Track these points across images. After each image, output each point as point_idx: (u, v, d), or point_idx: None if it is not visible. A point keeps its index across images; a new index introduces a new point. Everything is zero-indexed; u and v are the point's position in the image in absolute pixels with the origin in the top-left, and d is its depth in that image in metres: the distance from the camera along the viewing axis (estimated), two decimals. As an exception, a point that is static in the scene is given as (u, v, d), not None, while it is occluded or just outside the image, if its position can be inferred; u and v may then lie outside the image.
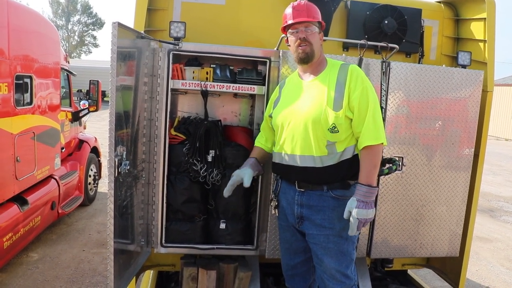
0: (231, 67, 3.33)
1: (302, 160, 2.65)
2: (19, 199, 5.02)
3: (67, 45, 55.86)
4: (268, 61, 3.19)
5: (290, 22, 2.71)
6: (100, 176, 8.32)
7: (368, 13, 3.51)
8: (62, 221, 6.75)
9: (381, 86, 3.21)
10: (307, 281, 3.01)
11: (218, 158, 3.20)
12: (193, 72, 3.23)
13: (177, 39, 3.08)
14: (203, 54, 3.19)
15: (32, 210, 5.23)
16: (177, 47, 3.08)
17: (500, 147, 21.29)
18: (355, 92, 2.59)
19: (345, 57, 3.18)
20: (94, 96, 7.42)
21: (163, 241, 3.28)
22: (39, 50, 5.49)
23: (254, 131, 3.52)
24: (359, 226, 2.54)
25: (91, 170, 7.79)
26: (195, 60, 3.28)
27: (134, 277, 3.25)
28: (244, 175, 2.84)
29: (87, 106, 7.53)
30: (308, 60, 2.70)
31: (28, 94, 5.15)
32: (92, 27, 59.74)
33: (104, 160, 8.20)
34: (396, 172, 3.17)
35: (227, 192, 2.88)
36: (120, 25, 2.51)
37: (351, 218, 2.54)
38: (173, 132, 3.27)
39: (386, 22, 3.50)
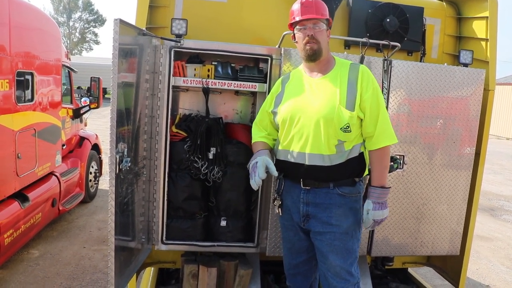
0: (232, 65, 3.32)
1: (310, 158, 2.62)
2: (20, 195, 5.03)
3: (68, 42, 55.87)
4: (269, 58, 3.18)
5: (298, 18, 2.66)
6: (101, 173, 8.32)
7: (370, 11, 3.51)
8: (63, 218, 6.76)
9: (382, 84, 3.20)
10: (308, 279, 3.00)
11: (219, 156, 3.20)
12: (195, 69, 3.22)
13: (179, 36, 3.07)
14: (205, 51, 3.18)
15: (33, 207, 5.24)
16: (179, 44, 3.07)
17: (501, 146, 21.27)
18: (367, 93, 2.60)
19: (346, 55, 3.18)
20: (95, 93, 7.41)
21: (164, 238, 3.28)
22: (40, 47, 5.49)
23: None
24: (375, 226, 2.70)
25: (92, 167, 7.80)
26: (197, 58, 3.28)
27: (135, 274, 3.26)
28: (268, 163, 2.68)
29: (88, 103, 7.52)
30: (316, 58, 2.66)
31: (29, 90, 5.15)
32: (94, 24, 59.80)
33: (105, 157, 8.19)
34: (397, 170, 3.19)
35: (256, 185, 2.66)
36: (122, 21, 2.51)
37: (365, 218, 2.66)
38: (174, 129, 3.27)
39: (388, 20, 3.50)
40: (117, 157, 2.60)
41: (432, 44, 3.82)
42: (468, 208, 3.55)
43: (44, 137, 5.51)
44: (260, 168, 2.65)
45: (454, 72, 3.34)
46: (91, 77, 7.53)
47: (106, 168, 8.28)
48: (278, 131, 2.84)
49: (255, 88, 3.24)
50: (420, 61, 3.70)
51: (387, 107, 3.22)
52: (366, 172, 2.76)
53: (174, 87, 3.21)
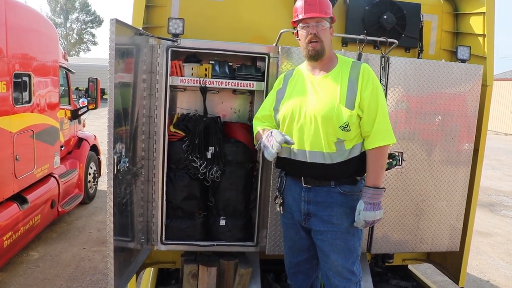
0: (230, 64, 3.32)
1: (311, 156, 2.62)
2: (19, 197, 5.02)
3: (65, 43, 55.78)
4: (267, 57, 3.17)
5: (301, 16, 2.64)
6: (99, 174, 8.32)
7: (367, 8, 3.50)
8: (62, 219, 6.75)
9: (380, 81, 3.20)
10: (309, 278, 3.00)
11: (217, 155, 3.19)
12: (192, 68, 3.22)
13: (176, 35, 3.06)
14: (202, 51, 3.18)
15: (32, 208, 5.23)
16: (176, 43, 3.06)
17: (500, 142, 21.29)
18: (366, 91, 2.58)
19: (344, 52, 3.16)
20: (93, 94, 7.40)
21: (163, 239, 3.27)
22: (38, 48, 5.47)
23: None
24: (366, 226, 2.64)
25: (91, 168, 7.79)
26: (194, 57, 3.27)
27: (135, 275, 3.25)
28: (282, 133, 2.58)
29: (86, 104, 7.51)
30: (318, 57, 2.66)
31: (27, 92, 5.14)
32: (91, 25, 59.65)
33: (104, 158, 8.20)
34: (396, 167, 3.17)
35: (275, 152, 2.54)
36: (118, 21, 2.50)
37: (356, 218, 2.61)
38: (172, 129, 3.27)
39: (385, 17, 3.49)
40: (115, 157, 2.60)
41: (430, 41, 3.81)
42: (467, 204, 3.55)
43: (42, 139, 5.49)
44: (276, 134, 2.56)
45: (452, 68, 3.34)
46: (89, 78, 7.51)
47: (105, 169, 8.26)
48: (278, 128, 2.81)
49: (252, 87, 3.24)
50: (418, 58, 3.70)
51: (385, 104, 3.21)
52: None
53: (171, 86, 3.20)
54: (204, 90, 3.24)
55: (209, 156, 3.17)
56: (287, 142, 2.55)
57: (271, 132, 2.63)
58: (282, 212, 2.89)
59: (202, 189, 3.30)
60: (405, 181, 3.37)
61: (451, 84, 3.34)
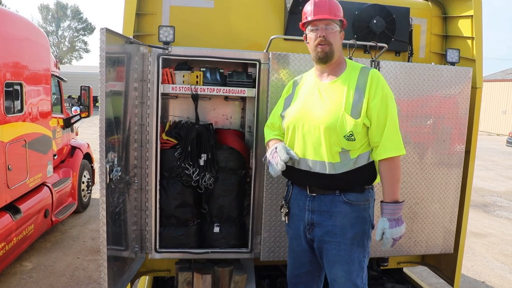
0: (221, 70, 3.32)
1: (315, 165, 2.54)
2: (12, 207, 4.98)
3: (57, 51, 55.62)
4: (258, 63, 3.17)
5: (309, 18, 2.57)
6: (93, 183, 8.28)
7: (356, 12, 3.52)
8: (56, 228, 6.71)
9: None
10: None
11: (210, 162, 3.19)
12: (183, 76, 3.22)
13: (167, 43, 3.07)
14: (193, 58, 3.18)
15: (25, 218, 5.19)
16: (167, 51, 3.07)
17: (492, 142, 21.43)
18: (375, 99, 2.46)
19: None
20: (86, 102, 7.37)
21: (157, 247, 3.26)
22: (29, 57, 5.45)
23: (246, 134, 3.52)
24: (394, 244, 2.50)
25: (84, 176, 7.76)
26: (185, 64, 3.28)
27: (129, 284, 3.24)
28: (287, 148, 2.58)
29: (79, 112, 7.49)
30: (327, 60, 2.56)
31: (19, 101, 5.11)
32: (83, 32, 59.59)
33: (97, 166, 8.16)
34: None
35: (279, 170, 2.56)
36: (108, 31, 2.50)
37: (384, 238, 2.48)
38: (164, 137, 3.27)
39: (374, 21, 3.51)
40: (107, 166, 2.59)
41: (419, 44, 3.85)
42: (460, 206, 3.57)
43: (34, 148, 5.47)
44: (281, 151, 2.56)
45: (442, 71, 3.36)
46: (81, 86, 7.48)
47: (98, 177, 8.22)
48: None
49: (244, 93, 3.24)
50: (408, 61, 3.72)
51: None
52: (378, 179, 2.62)
53: (163, 94, 3.20)
54: (195, 98, 3.25)
55: (201, 163, 3.17)
56: (292, 157, 2.55)
57: (276, 148, 2.61)
58: (287, 222, 2.81)
59: (196, 196, 3.30)
60: (398, 184, 3.38)
61: (441, 87, 3.37)
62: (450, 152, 3.47)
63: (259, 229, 3.26)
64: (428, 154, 3.42)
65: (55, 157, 6.59)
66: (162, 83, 3.12)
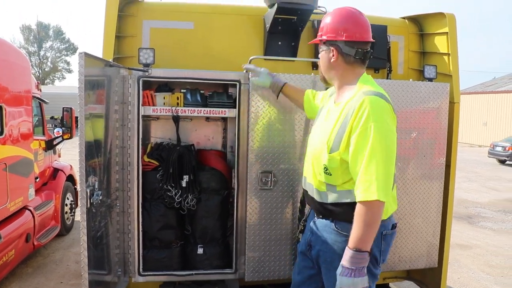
0: (201, 91, 3.34)
1: (310, 189, 2.51)
2: (-9, 233, 4.88)
3: (40, 71, 55.21)
4: (238, 83, 3.19)
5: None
6: (77, 205, 8.14)
7: (335, 32, 3.56)
8: (38, 253, 6.57)
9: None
10: None
11: (192, 183, 3.19)
12: (164, 97, 3.22)
13: (147, 65, 3.07)
14: (173, 80, 3.19)
15: (5, 244, 5.08)
16: (147, 73, 3.07)
17: (474, 154, 21.76)
18: (354, 133, 2.15)
19: (314, 76, 3.22)
20: (68, 123, 7.30)
21: (141, 270, 3.22)
22: (9, 79, 5.40)
23: (228, 154, 3.52)
24: None
25: (67, 198, 7.64)
26: (165, 86, 3.29)
27: (112, 309, 3.18)
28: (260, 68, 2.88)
29: (61, 134, 7.41)
30: (325, 82, 2.54)
31: (-1, 124, 5.05)
32: (65, 53, 59.28)
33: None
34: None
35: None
36: (87, 54, 2.50)
37: (337, 283, 2.16)
38: (146, 159, 3.25)
39: (353, 40, 3.55)
40: (88, 191, 2.57)
41: (398, 61, 3.91)
42: (442, 219, 3.60)
43: (15, 171, 5.38)
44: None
45: (420, 87, 3.42)
46: (63, 107, 7.42)
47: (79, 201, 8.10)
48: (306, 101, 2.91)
49: (225, 114, 3.25)
50: (387, 78, 3.78)
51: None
52: (392, 209, 2.50)
53: (144, 116, 3.20)
54: (176, 119, 3.25)
55: (184, 184, 3.16)
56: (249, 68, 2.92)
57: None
58: (299, 239, 2.77)
59: (178, 218, 3.28)
60: (380, 200, 3.40)
61: (420, 102, 3.42)
62: (431, 166, 3.51)
63: (243, 249, 3.25)
64: (409, 169, 3.46)
65: (37, 180, 6.49)
66: (142, 105, 3.12)
